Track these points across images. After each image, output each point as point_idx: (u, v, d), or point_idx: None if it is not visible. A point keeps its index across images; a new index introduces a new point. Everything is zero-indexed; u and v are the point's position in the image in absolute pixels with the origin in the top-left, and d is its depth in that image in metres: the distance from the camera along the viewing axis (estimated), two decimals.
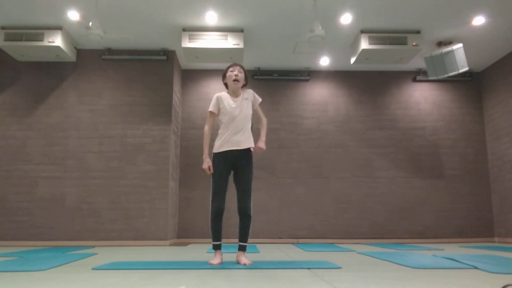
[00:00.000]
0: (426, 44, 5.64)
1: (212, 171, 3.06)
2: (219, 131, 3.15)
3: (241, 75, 3.18)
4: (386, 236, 6.21)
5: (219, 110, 3.16)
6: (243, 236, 3.06)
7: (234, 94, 3.19)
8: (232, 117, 3.09)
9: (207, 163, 3.07)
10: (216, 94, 3.22)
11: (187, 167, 6.33)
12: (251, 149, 3.15)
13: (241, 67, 3.23)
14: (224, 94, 3.21)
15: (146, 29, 5.38)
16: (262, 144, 3.15)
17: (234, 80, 3.14)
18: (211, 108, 3.17)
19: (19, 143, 5.68)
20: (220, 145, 3.09)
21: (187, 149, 6.39)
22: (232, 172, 3.14)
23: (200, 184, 6.25)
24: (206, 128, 3.17)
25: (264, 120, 3.29)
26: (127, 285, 2.07)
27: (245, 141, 3.08)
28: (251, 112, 3.20)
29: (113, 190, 5.60)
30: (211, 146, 3.14)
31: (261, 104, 3.34)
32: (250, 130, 3.15)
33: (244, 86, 3.25)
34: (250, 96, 3.23)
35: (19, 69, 5.87)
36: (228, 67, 3.23)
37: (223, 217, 3.09)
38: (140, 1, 4.72)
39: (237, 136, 3.06)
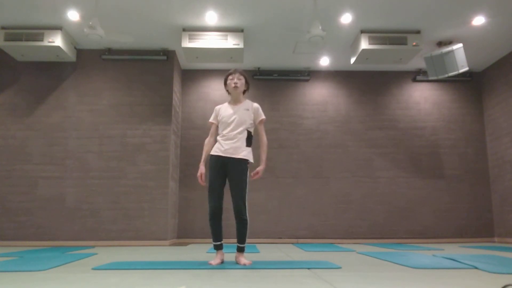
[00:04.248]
0: (426, 44, 5.64)
1: (203, 183, 3.12)
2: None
3: (240, 82, 3.19)
4: (386, 236, 6.21)
5: (218, 121, 3.23)
6: (240, 237, 3.06)
7: (234, 102, 3.22)
8: (227, 123, 3.12)
9: (199, 170, 3.15)
10: (216, 106, 3.31)
11: (187, 167, 6.33)
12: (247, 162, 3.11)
13: (240, 73, 3.21)
14: (223, 105, 3.27)
15: (146, 29, 5.38)
16: (260, 170, 3.10)
17: (234, 87, 3.17)
18: (210, 119, 3.28)
19: (19, 143, 5.68)
20: (213, 149, 3.17)
21: (187, 149, 6.39)
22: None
23: (200, 184, 6.23)
24: (207, 138, 3.24)
25: (264, 140, 3.18)
26: (127, 285, 2.07)
27: (235, 150, 3.05)
28: (249, 122, 3.14)
29: (113, 190, 5.60)
30: None
31: (261, 104, 3.33)
32: (245, 141, 3.10)
33: (245, 91, 3.28)
34: (252, 109, 3.19)
35: (19, 69, 5.87)
36: (228, 75, 3.23)
37: (222, 217, 3.09)
38: (140, 1, 4.72)
39: (227, 142, 3.07)
